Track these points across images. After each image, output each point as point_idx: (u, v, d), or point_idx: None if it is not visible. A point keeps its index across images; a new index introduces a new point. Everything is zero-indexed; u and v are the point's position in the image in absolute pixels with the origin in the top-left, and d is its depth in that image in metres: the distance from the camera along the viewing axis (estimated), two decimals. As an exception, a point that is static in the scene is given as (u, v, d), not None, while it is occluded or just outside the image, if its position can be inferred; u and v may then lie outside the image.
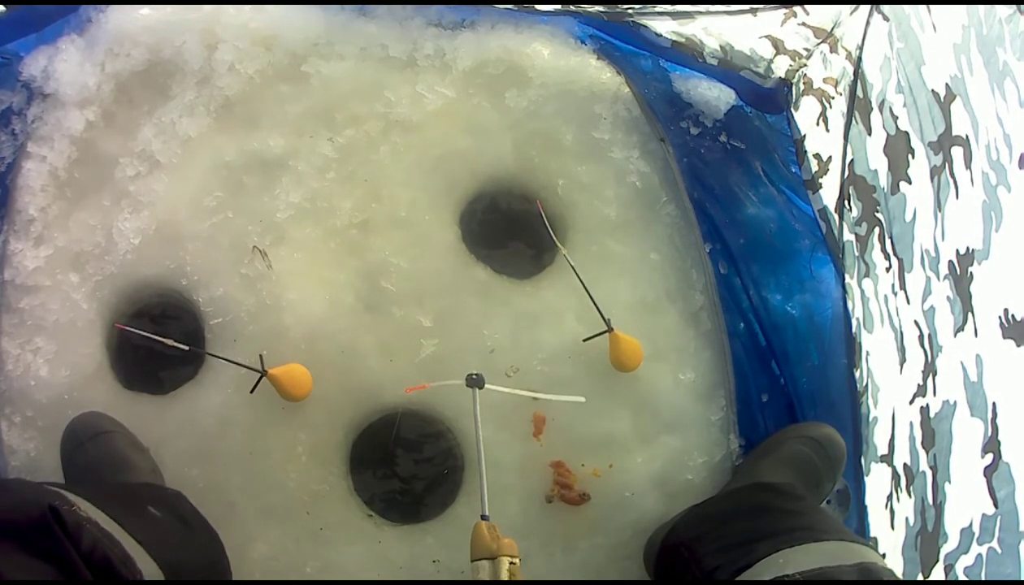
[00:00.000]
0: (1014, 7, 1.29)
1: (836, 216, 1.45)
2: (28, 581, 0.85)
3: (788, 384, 1.45)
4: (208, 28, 1.36)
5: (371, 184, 1.36)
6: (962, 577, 1.42)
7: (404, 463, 1.36)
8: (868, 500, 1.40)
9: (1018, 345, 1.14)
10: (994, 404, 1.12)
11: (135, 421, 1.30)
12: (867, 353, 1.41)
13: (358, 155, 1.36)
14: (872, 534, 1.38)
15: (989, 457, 1.32)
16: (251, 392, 1.27)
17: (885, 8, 1.31)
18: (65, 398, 1.31)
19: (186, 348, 1.28)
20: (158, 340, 1.29)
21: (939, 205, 1.38)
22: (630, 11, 1.39)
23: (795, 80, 1.48)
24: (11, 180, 1.35)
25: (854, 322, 1.44)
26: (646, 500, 1.35)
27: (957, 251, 1.41)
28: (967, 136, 1.26)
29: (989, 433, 1.28)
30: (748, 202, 1.42)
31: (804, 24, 1.40)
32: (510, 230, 1.42)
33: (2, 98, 1.35)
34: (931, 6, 1.35)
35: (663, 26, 1.40)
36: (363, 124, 1.37)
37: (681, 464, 1.37)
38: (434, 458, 1.36)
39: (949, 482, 1.41)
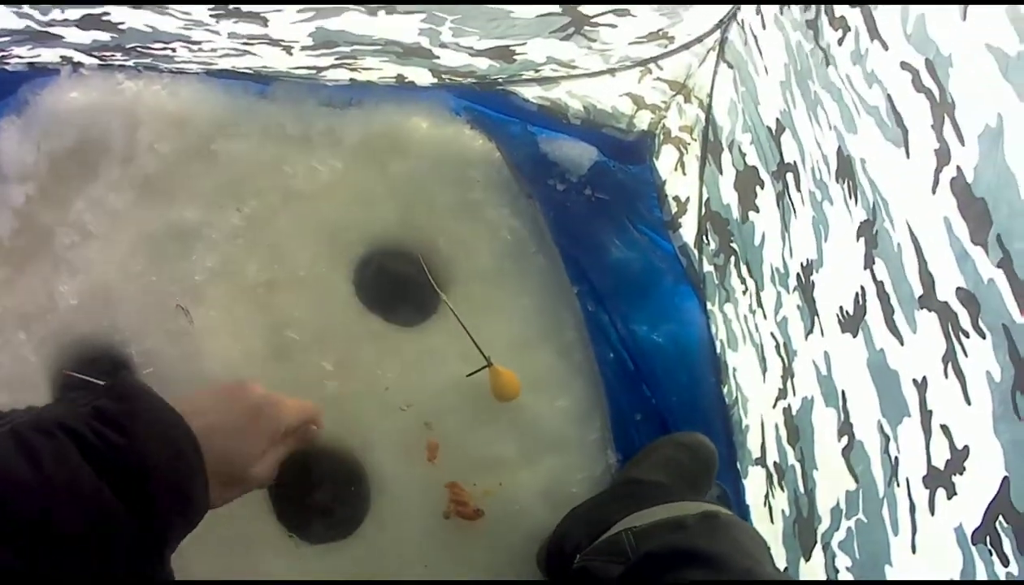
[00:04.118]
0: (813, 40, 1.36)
1: (696, 251, 1.55)
2: None
3: (659, 403, 1.56)
4: (130, 109, 1.48)
5: (274, 248, 1.49)
6: (836, 551, 1.55)
7: (321, 491, 1.46)
8: (749, 500, 1.49)
9: (854, 337, 1.22)
10: (843, 392, 1.20)
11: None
12: (734, 369, 1.51)
13: (262, 223, 1.49)
14: (754, 530, 1.48)
15: (845, 439, 1.41)
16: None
17: (728, 56, 1.42)
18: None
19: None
20: (93, 381, 1.37)
21: (786, 226, 1.46)
22: (499, 79, 1.50)
23: (657, 131, 1.60)
24: (-39, 248, 1.44)
25: (718, 344, 1.53)
26: (534, 512, 1.46)
27: (801, 264, 1.47)
28: (795, 162, 1.36)
29: (842, 418, 1.34)
30: (613, 247, 1.54)
31: (659, 79, 1.49)
32: (398, 284, 1.54)
33: (-51, 174, 1.44)
34: (761, 50, 1.45)
35: (530, 91, 1.52)
36: (266, 196, 1.50)
37: (564, 480, 1.49)
38: (345, 484, 1.46)
39: (816, 469, 1.47)
